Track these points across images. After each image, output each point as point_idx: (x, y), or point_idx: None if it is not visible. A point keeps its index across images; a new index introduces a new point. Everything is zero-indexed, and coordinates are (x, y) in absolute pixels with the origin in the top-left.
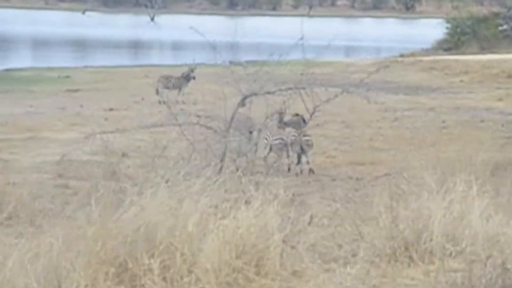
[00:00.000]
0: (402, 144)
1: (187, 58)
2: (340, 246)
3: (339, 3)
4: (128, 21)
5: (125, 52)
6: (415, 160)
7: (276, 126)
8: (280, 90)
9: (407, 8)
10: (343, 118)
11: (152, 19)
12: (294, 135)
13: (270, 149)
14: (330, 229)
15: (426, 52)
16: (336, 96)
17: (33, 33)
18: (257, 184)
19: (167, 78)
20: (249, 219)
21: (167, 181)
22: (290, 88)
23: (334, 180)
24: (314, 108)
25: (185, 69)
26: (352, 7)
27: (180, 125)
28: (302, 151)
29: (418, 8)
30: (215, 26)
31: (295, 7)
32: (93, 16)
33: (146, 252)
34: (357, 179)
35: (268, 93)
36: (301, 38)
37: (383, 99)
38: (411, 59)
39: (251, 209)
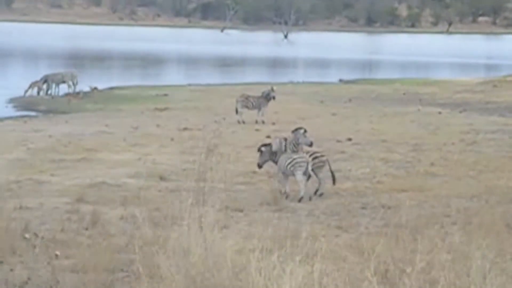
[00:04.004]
0: (462, 169)
1: (301, 75)
2: None
3: (480, 19)
4: (262, 38)
5: (243, 70)
6: (463, 187)
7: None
8: None
9: None
10: (418, 141)
11: (286, 36)
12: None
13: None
14: None
15: None
16: None
17: (167, 51)
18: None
19: (246, 98)
20: None
21: None
22: None
23: (364, 208)
24: None
25: (266, 88)
26: (494, 23)
27: None
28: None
29: None
30: (352, 43)
31: (435, 24)
32: (231, 34)
33: None
34: (389, 207)
35: None
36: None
37: (471, 121)
38: None
39: None
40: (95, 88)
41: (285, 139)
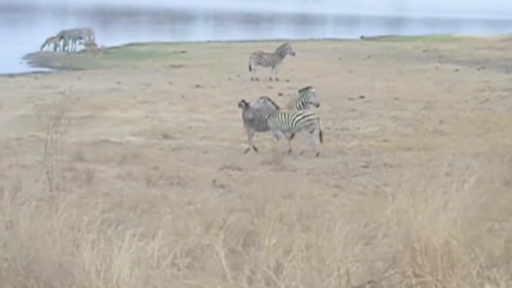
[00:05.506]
0: (471, 128)
1: (324, 32)
2: None
3: None
4: None
5: (266, 26)
6: (468, 146)
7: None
8: None
9: None
10: (431, 99)
11: None
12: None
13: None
14: None
15: None
16: None
17: (192, 7)
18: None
19: (260, 55)
20: None
21: None
22: None
23: (365, 167)
24: None
25: (280, 44)
26: None
27: None
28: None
29: None
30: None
31: None
32: None
33: None
34: (391, 166)
35: None
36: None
37: (488, 78)
38: None
39: None
40: (93, 44)
41: (269, 99)
